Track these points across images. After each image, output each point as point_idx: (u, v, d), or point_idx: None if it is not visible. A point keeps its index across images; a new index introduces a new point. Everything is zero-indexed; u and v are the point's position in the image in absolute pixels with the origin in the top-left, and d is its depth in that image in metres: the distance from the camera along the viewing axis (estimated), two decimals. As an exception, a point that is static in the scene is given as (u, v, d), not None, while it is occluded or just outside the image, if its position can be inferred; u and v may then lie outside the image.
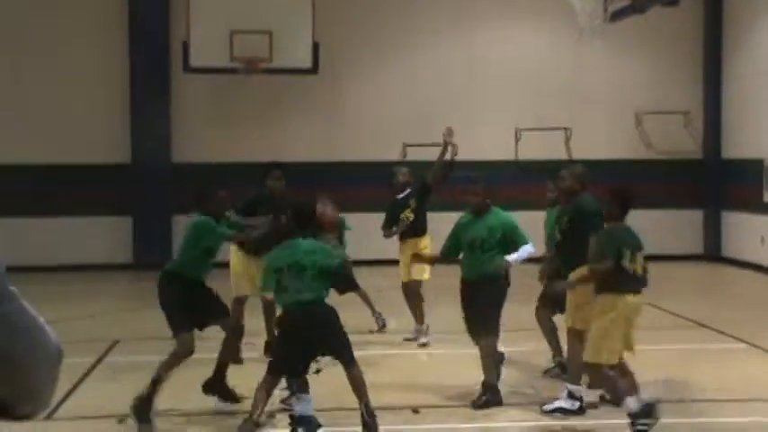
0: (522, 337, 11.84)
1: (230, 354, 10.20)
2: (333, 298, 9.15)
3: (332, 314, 8.71)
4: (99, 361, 11.84)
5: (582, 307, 9.29)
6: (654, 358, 11.87)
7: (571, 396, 9.37)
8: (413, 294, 12.94)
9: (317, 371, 10.67)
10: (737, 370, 11.23)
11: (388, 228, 13.02)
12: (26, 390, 2.14)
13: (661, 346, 12.70)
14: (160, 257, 21.25)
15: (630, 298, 8.86)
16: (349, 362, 8.64)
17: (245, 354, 11.47)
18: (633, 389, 8.85)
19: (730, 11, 22.49)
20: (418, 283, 12.83)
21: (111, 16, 21.85)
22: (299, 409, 8.86)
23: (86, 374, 11.01)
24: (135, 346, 12.91)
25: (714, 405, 9.78)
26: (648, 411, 8.52)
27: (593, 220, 9.48)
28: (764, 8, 20.88)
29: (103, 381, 10.96)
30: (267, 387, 8.67)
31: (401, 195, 12.98)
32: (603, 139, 22.58)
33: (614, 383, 8.87)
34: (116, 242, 21.74)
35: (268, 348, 11.23)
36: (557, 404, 9.38)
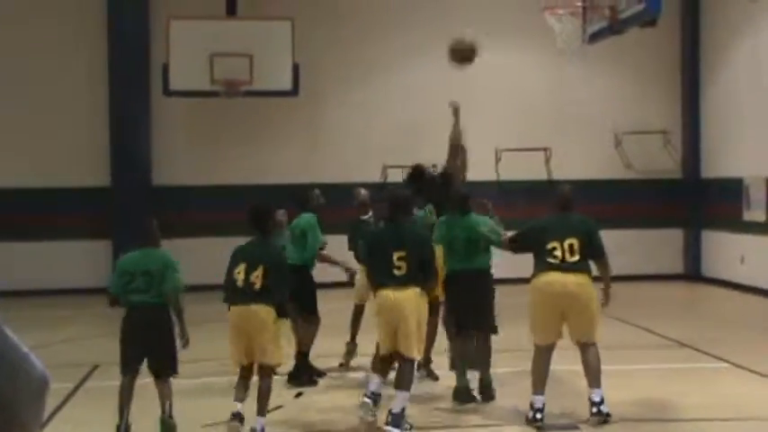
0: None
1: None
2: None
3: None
4: (79, 386, 11.76)
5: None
6: (635, 378, 11.89)
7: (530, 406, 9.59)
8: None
9: (299, 394, 10.67)
10: (719, 389, 11.23)
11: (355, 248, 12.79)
12: (9, 419, 2.09)
13: (642, 366, 12.72)
14: (140, 281, 21.30)
15: None
16: None
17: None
18: None
19: (708, 31, 22.62)
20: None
21: (91, 38, 21.81)
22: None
23: (66, 400, 10.93)
24: (115, 370, 12.77)
25: (696, 425, 9.77)
26: None
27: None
28: (741, 28, 21.01)
29: (83, 406, 10.88)
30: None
31: (365, 216, 12.88)
32: (583, 159, 22.66)
33: None
34: (95, 266, 21.62)
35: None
36: None
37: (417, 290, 9.24)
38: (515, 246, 10.12)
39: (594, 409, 9.43)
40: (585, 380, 9.64)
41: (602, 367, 12.27)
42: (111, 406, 10.43)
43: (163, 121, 22.07)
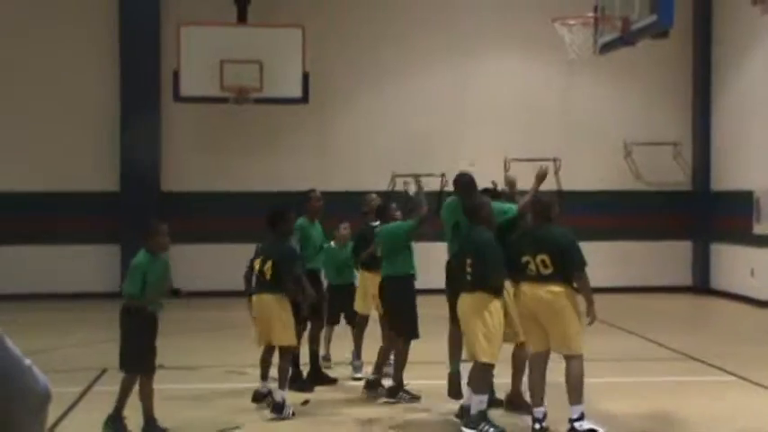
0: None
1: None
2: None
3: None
4: (87, 390, 11.76)
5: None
6: (642, 390, 11.85)
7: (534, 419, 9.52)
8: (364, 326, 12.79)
9: (305, 401, 10.68)
10: (726, 403, 11.20)
11: (357, 255, 12.66)
12: None
13: (649, 378, 12.68)
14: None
15: None
16: None
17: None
18: None
19: (719, 43, 22.60)
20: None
21: (102, 45, 21.87)
22: None
23: (75, 403, 10.94)
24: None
25: (703, 438, 9.75)
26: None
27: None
28: (753, 40, 20.99)
29: (92, 410, 10.87)
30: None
31: (374, 223, 12.58)
32: (593, 170, 22.63)
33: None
34: (105, 270, 21.66)
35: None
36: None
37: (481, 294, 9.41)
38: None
39: (569, 425, 9.30)
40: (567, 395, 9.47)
41: (610, 379, 12.32)
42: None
43: (173, 127, 22.10)
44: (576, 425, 9.24)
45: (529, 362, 9.72)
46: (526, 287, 9.43)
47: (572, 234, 9.53)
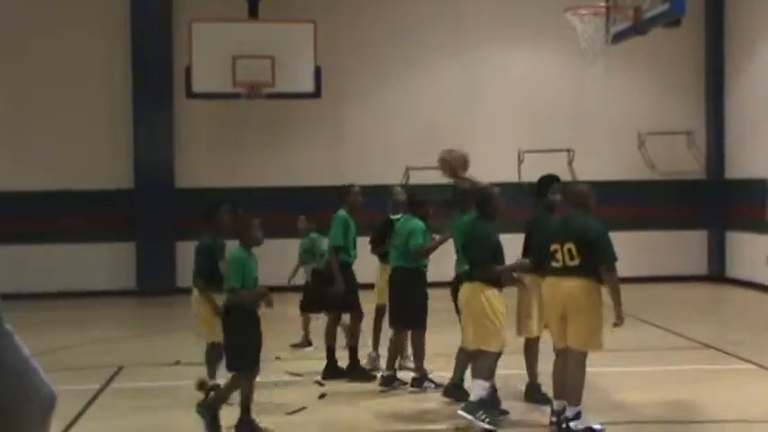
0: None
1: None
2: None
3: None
4: (104, 387, 11.80)
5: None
6: (660, 379, 11.84)
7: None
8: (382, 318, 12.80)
9: (322, 395, 10.69)
10: (745, 390, 11.17)
11: (377, 245, 12.82)
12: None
13: (666, 367, 12.67)
14: (164, 283, 21.38)
15: None
16: None
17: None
18: None
19: (732, 31, 22.53)
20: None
21: (114, 42, 21.92)
22: None
23: (91, 401, 10.97)
24: (140, 372, 12.87)
25: (721, 426, 9.72)
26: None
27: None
28: (766, 28, 20.90)
29: (109, 407, 10.92)
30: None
31: (396, 216, 12.67)
32: (606, 160, 22.59)
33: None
34: (119, 268, 21.73)
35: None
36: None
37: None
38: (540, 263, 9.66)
39: (554, 417, 9.29)
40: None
41: (625, 369, 12.33)
42: (137, 407, 10.51)
43: (186, 123, 22.13)
44: (572, 424, 9.04)
45: (556, 354, 9.55)
46: (551, 280, 9.27)
47: (604, 226, 9.30)
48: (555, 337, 9.45)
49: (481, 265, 9.54)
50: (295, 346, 14.19)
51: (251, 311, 9.29)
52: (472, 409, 9.23)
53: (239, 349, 9.19)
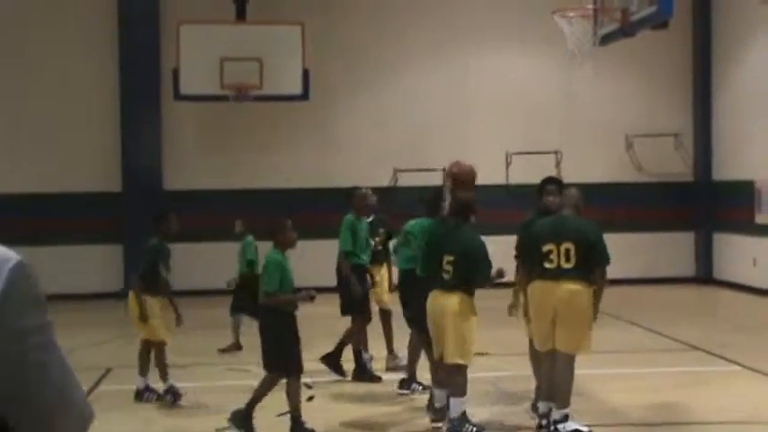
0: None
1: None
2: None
3: None
4: (92, 390, 11.78)
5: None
6: (647, 381, 11.86)
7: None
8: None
9: (310, 398, 10.68)
10: (732, 392, 11.20)
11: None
12: None
13: (654, 369, 12.69)
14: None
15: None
16: None
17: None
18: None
19: (719, 33, 22.58)
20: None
21: (102, 44, 21.86)
22: None
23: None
24: (128, 374, 12.84)
25: (707, 428, 9.74)
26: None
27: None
28: (753, 30, 20.97)
29: (97, 410, 10.89)
30: None
31: (369, 219, 12.68)
32: (594, 162, 22.62)
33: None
34: (107, 270, 21.68)
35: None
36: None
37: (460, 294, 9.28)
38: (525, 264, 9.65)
39: (543, 421, 9.23)
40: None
41: (613, 370, 12.36)
42: (124, 409, 10.50)
43: (174, 125, 22.10)
44: (560, 427, 9.01)
45: (536, 358, 9.54)
46: (544, 284, 9.12)
47: (600, 228, 9.36)
48: (540, 339, 9.28)
49: (484, 278, 9.28)
50: (223, 351, 14.16)
51: (288, 313, 9.29)
52: (459, 425, 9.14)
53: (278, 352, 9.22)
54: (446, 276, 9.16)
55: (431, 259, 9.40)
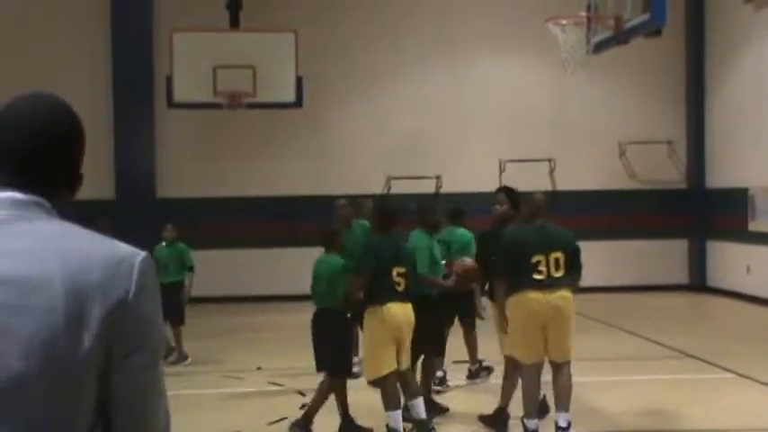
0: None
1: None
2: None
3: None
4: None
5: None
6: (640, 388, 11.85)
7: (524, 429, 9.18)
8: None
9: (303, 405, 10.63)
10: (725, 400, 11.19)
11: None
12: None
13: (647, 377, 12.69)
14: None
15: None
16: None
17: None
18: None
19: (712, 41, 22.62)
20: None
21: (95, 52, 21.85)
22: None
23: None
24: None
25: (702, 435, 9.74)
26: None
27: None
28: (746, 38, 21.00)
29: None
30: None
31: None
32: (587, 169, 22.63)
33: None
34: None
35: None
36: None
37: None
38: (506, 276, 9.23)
39: None
40: (555, 402, 9.19)
41: (607, 378, 12.36)
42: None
43: (167, 133, 22.08)
44: None
45: (525, 370, 9.19)
46: (534, 295, 8.92)
47: None
48: (528, 352, 9.05)
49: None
50: (173, 363, 13.68)
51: (342, 315, 9.49)
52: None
53: (333, 352, 9.38)
54: (399, 288, 9.10)
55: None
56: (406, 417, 9.17)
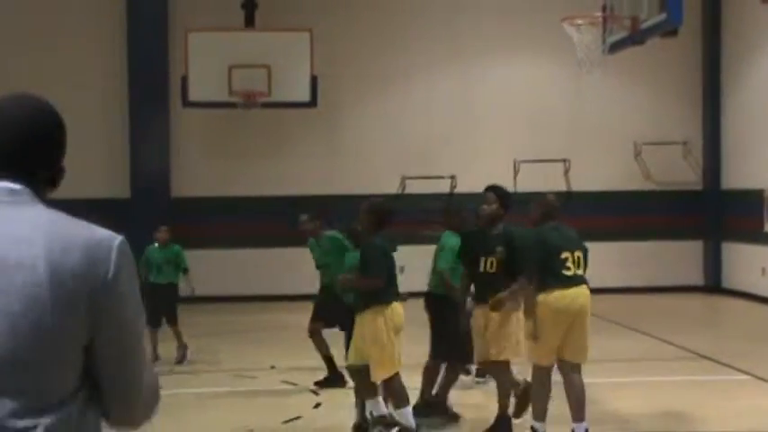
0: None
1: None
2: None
3: None
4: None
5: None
6: (655, 390, 11.82)
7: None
8: None
9: (317, 404, 10.62)
10: (740, 402, 11.15)
11: None
12: (128, 408, 2.49)
13: (662, 378, 12.65)
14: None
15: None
16: None
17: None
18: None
19: (729, 41, 22.54)
20: None
21: (110, 50, 21.88)
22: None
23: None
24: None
25: (717, 437, 9.71)
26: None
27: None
28: (763, 38, 20.91)
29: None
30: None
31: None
32: (602, 170, 22.58)
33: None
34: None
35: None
36: None
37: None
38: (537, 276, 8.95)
39: None
40: (572, 411, 8.92)
41: (621, 379, 12.37)
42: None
43: (182, 132, 22.10)
44: None
45: (539, 374, 8.97)
46: (564, 291, 8.72)
47: None
48: (548, 353, 8.84)
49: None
50: (178, 362, 13.71)
51: (457, 303, 9.67)
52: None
53: (445, 339, 9.70)
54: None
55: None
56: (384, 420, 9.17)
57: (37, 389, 2.30)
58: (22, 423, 2.27)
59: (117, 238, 2.49)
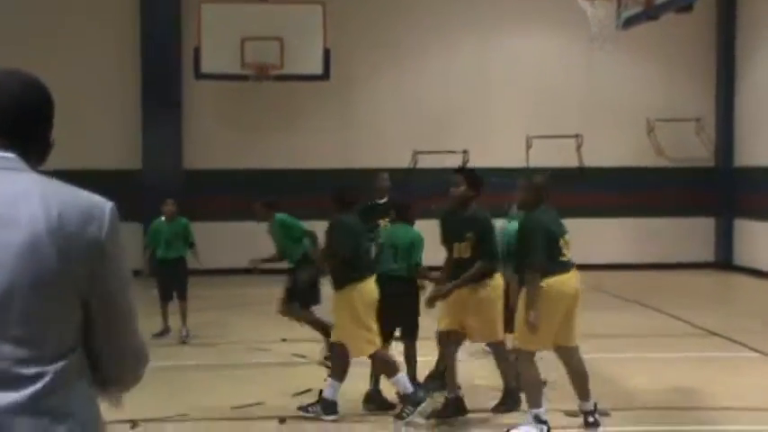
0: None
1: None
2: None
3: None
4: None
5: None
6: (664, 366, 11.84)
7: (537, 420, 8.79)
8: None
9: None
10: (750, 379, 11.16)
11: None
12: (118, 370, 2.73)
13: (672, 354, 12.65)
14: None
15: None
16: None
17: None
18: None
19: (744, 17, 22.42)
20: None
21: (123, 23, 21.87)
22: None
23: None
24: (158, 351, 12.87)
25: (727, 413, 9.69)
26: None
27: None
28: (777, 15, 20.81)
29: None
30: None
31: (381, 200, 12.27)
32: (615, 146, 22.53)
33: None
34: (127, 249, 21.67)
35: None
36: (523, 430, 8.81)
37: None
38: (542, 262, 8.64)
39: (591, 419, 8.77)
40: (577, 391, 8.87)
41: (632, 354, 12.37)
42: (149, 386, 10.47)
43: (194, 104, 22.10)
44: (596, 416, 8.81)
45: (528, 358, 8.78)
46: (563, 276, 8.60)
47: None
48: (547, 337, 8.66)
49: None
50: (156, 335, 13.34)
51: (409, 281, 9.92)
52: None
53: (404, 317, 9.78)
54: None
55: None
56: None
57: (39, 339, 2.46)
58: (29, 371, 2.43)
59: (110, 203, 2.67)
